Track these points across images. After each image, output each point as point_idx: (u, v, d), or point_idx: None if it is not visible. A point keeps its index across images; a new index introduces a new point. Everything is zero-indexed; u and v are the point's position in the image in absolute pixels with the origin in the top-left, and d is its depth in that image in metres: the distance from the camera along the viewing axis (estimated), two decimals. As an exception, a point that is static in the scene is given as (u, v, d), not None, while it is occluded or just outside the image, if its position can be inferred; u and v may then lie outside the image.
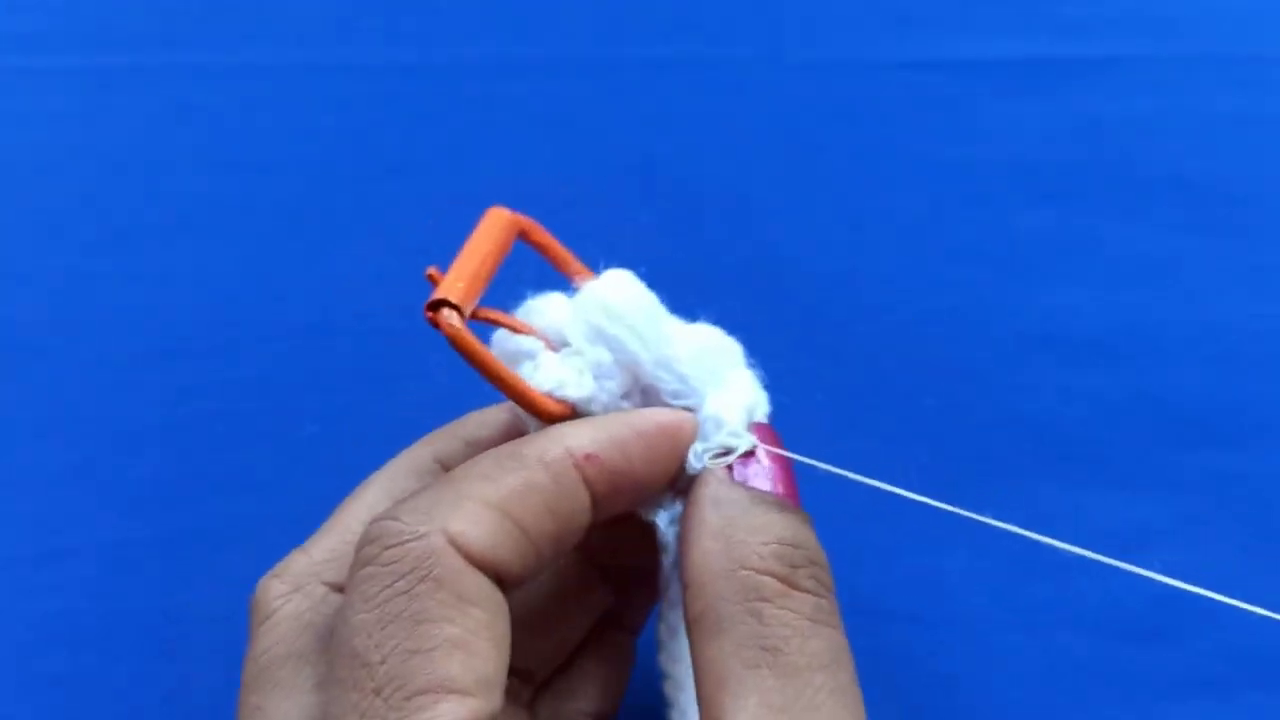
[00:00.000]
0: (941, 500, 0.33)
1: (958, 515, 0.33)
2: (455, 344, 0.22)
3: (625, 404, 0.24)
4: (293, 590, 0.23)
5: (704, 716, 0.20)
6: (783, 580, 0.21)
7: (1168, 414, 0.35)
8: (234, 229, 0.39)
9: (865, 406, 0.35)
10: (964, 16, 0.44)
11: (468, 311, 0.23)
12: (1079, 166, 0.40)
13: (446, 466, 0.25)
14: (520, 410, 0.24)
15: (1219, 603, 0.31)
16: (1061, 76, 0.42)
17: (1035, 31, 0.44)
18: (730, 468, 0.23)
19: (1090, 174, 0.40)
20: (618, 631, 0.28)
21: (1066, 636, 0.31)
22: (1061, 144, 0.41)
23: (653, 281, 0.38)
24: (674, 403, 0.24)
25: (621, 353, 0.24)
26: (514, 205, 0.39)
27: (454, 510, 0.20)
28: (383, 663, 0.18)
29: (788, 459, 0.24)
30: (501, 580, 0.20)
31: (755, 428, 0.24)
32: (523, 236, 0.27)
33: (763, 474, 0.23)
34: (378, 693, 0.18)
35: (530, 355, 0.24)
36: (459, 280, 0.23)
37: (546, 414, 0.23)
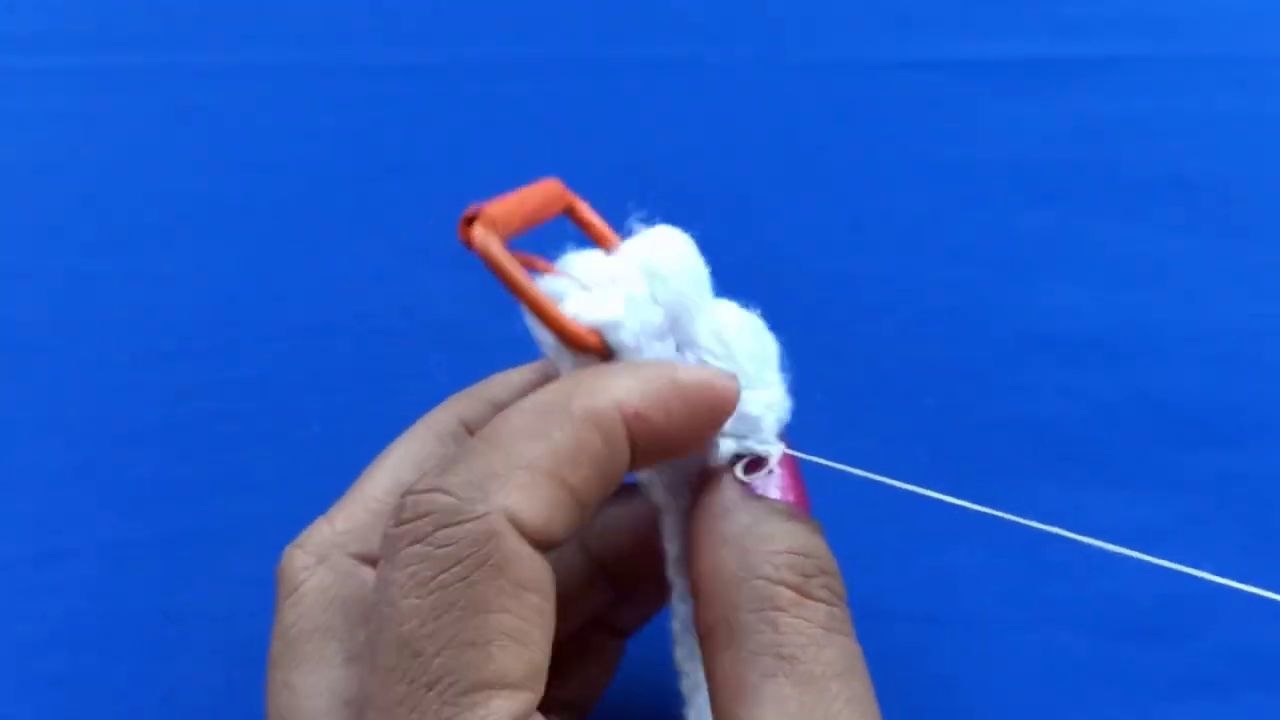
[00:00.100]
0: (940, 499, 0.33)
1: (958, 514, 0.33)
2: (485, 257, 0.21)
3: (658, 345, 0.23)
4: (317, 562, 0.22)
5: None
6: (796, 589, 0.20)
7: (1167, 414, 0.35)
8: (234, 229, 0.39)
9: (865, 406, 0.35)
10: (964, 17, 0.44)
11: (502, 236, 0.22)
12: (1079, 166, 0.40)
13: (471, 430, 0.24)
14: (548, 339, 0.22)
15: (1220, 602, 0.32)
16: (1061, 77, 0.42)
17: (1035, 32, 0.44)
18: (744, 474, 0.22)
19: (1090, 174, 0.40)
20: (607, 631, 0.27)
21: (1068, 635, 0.31)
22: (1061, 144, 0.41)
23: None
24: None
25: (669, 293, 0.23)
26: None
27: (508, 481, 0.19)
28: (437, 655, 0.18)
29: (798, 467, 0.23)
30: (550, 548, 0.19)
31: None
32: (569, 213, 0.25)
33: (774, 482, 0.22)
34: (430, 687, 0.17)
35: (560, 298, 0.23)
36: (497, 208, 0.22)
37: (575, 339, 0.22)
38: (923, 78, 0.42)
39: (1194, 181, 0.40)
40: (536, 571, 0.19)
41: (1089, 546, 0.33)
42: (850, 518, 0.33)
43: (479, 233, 0.21)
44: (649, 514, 0.24)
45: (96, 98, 0.43)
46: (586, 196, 0.40)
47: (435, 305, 0.36)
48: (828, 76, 0.43)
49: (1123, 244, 0.38)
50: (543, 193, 0.24)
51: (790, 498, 0.22)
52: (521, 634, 0.18)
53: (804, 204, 0.39)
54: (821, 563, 0.21)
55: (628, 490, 0.24)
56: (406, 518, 0.19)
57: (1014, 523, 0.33)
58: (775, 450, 0.23)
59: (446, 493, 0.19)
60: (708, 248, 0.39)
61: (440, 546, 0.18)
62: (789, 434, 0.34)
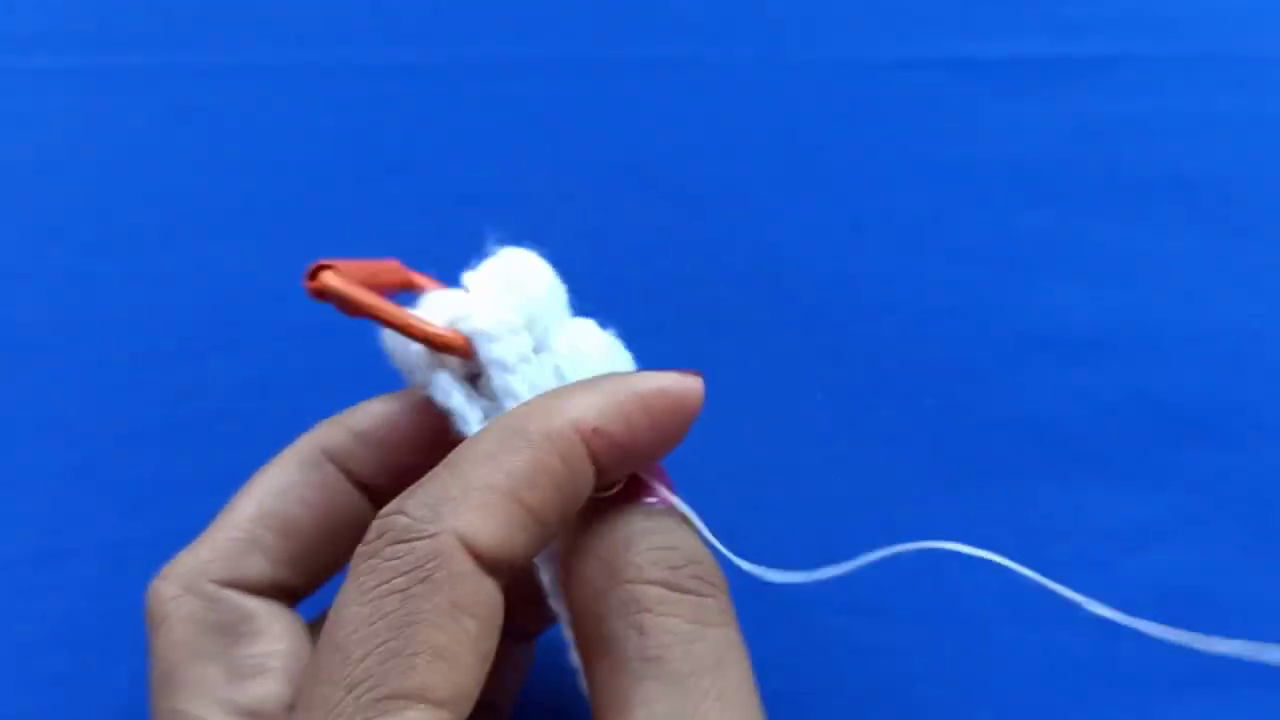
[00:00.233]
0: (940, 496, 0.33)
1: (957, 514, 0.33)
2: (335, 292, 0.23)
3: (516, 338, 0.24)
4: (183, 592, 0.23)
5: None
6: (663, 584, 0.20)
7: (1167, 413, 0.35)
8: (235, 228, 0.39)
9: (865, 406, 0.35)
10: (964, 16, 0.44)
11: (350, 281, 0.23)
12: (1078, 166, 0.40)
13: (334, 458, 0.25)
14: (407, 354, 0.24)
15: (1219, 600, 0.32)
16: (1061, 76, 0.42)
17: (1035, 31, 0.44)
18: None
19: (1090, 174, 0.40)
20: (511, 636, 0.27)
21: (1067, 634, 0.31)
22: (1061, 144, 0.41)
23: (652, 281, 0.38)
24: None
25: (524, 298, 0.24)
26: (514, 205, 0.39)
27: (463, 503, 0.19)
28: (363, 659, 0.18)
29: (670, 490, 0.22)
30: (511, 567, 0.19)
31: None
32: (407, 287, 0.27)
33: (632, 485, 0.22)
34: (350, 689, 0.18)
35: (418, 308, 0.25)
36: (340, 263, 0.24)
37: (434, 339, 0.23)
38: (923, 77, 0.42)
39: (1194, 181, 0.40)
40: (479, 596, 0.19)
41: (1089, 546, 0.33)
42: (849, 517, 0.33)
43: (329, 275, 0.23)
44: None
45: (97, 98, 0.43)
46: (586, 196, 0.40)
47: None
48: (828, 76, 0.43)
49: (1122, 244, 0.38)
50: (381, 265, 0.26)
51: (647, 494, 0.22)
52: (450, 654, 0.18)
53: (804, 204, 0.39)
54: (688, 552, 0.21)
55: None
56: (369, 538, 0.19)
57: (1012, 521, 0.33)
58: None
59: (404, 514, 0.19)
60: (708, 247, 0.39)
61: (388, 560, 0.19)
62: (789, 431, 0.35)
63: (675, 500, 0.22)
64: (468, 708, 0.19)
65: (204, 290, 0.38)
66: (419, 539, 0.19)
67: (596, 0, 0.45)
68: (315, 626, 0.25)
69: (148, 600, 0.23)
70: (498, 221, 0.39)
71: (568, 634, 0.23)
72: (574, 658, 0.23)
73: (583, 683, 0.22)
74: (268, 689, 0.22)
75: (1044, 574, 0.32)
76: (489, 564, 0.19)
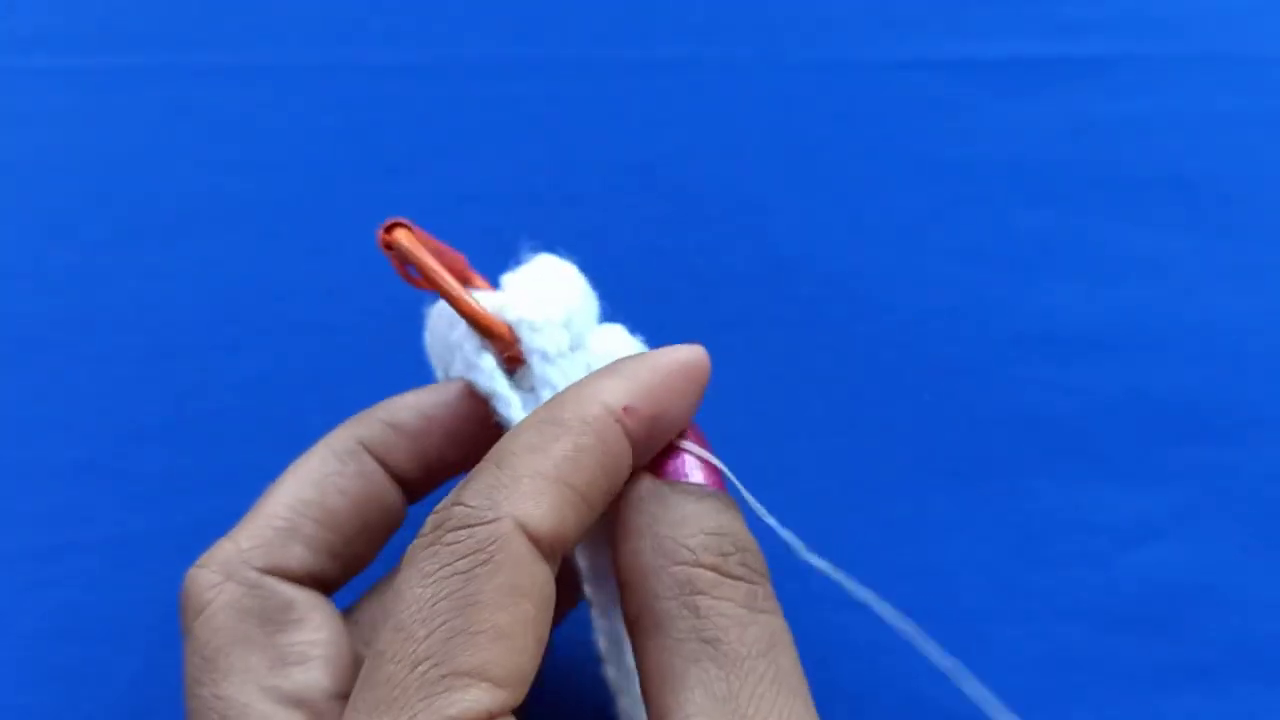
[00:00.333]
0: (940, 493, 0.33)
1: (954, 509, 0.33)
2: (406, 255, 0.24)
3: (563, 332, 0.25)
4: (224, 579, 0.23)
5: (651, 716, 0.20)
6: (714, 569, 0.21)
7: (1165, 410, 0.35)
8: (237, 228, 0.39)
9: (865, 403, 0.35)
10: (964, 17, 0.44)
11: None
12: (1078, 166, 0.40)
13: (369, 449, 0.25)
14: (463, 342, 0.25)
15: (1215, 595, 0.32)
16: (1060, 77, 0.42)
17: (1034, 32, 0.44)
18: (650, 469, 0.23)
19: (1089, 173, 0.40)
20: None
21: (1063, 628, 0.31)
22: (1061, 144, 0.41)
23: (653, 281, 0.38)
24: None
25: (563, 301, 0.25)
26: (514, 205, 0.40)
27: (515, 490, 0.20)
28: (426, 638, 0.18)
29: (707, 444, 0.23)
30: (564, 550, 0.20)
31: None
32: (466, 281, 0.28)
33: (682, 464, 0.23)
34: (414, 666, 0.18)
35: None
36: (417, 230, 0.25)
37: (484, 323, 0.24)
38: (922, 78, 0.42)
39: (1192, 181, 0.40)
40: (536, 581, 0.19)
41: (1087, 542, 0.33)
42: (849, 513, 0.33)
43: (402, 233, 0.24)
44: None
45: (99, 98, 0.43)
46: (586, 196, 0.40)
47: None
48: (828, 76, 0.43)
49: (1121, 243, 0.38)
50: (448, 251, 0.27)
51: (700, 477, 0.22)
52: (511, 634, 0.19)
53: (804, 203, 0.40)
54: (737, 539, 0.21)
55: None
56: (425, 531, 0.20)
57: (1011, 517, 0.33)
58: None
59: (462, 504, 0.20)
60: (708, 247, 0.39)
61: (448, 545, 0.19)
62: (789, 429, 0.35)
63: (716, 461, 0.23)
64: (523, 691, 0.19)
65: (207, 288, 0.38)
66: (479, 524, 0.19)
67: (597, 1, 0.45)
68: (347, 619, 0.25)
69: (186, 587, 0.23)
70: (498, 222, 0.39)
71: (598, 619, 0.23)
72: (600, 644, 0.23)
73: (608, 670, 0.23)
74: (311, 677, 0.23)
75: (1043, 571, 0.32)
76: (545, 548, 0.20)
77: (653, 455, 0.23)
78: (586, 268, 0.28)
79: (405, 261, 0.25)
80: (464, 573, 0.19)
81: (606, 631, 0.24)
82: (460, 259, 0.27)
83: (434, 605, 0.19)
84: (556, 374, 0.25)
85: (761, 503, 0.23)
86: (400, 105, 0.43)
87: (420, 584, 0.19)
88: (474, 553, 0.19)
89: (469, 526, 0.19)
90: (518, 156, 0.41)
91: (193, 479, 0.34)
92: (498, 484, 0.20)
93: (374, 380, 0.35)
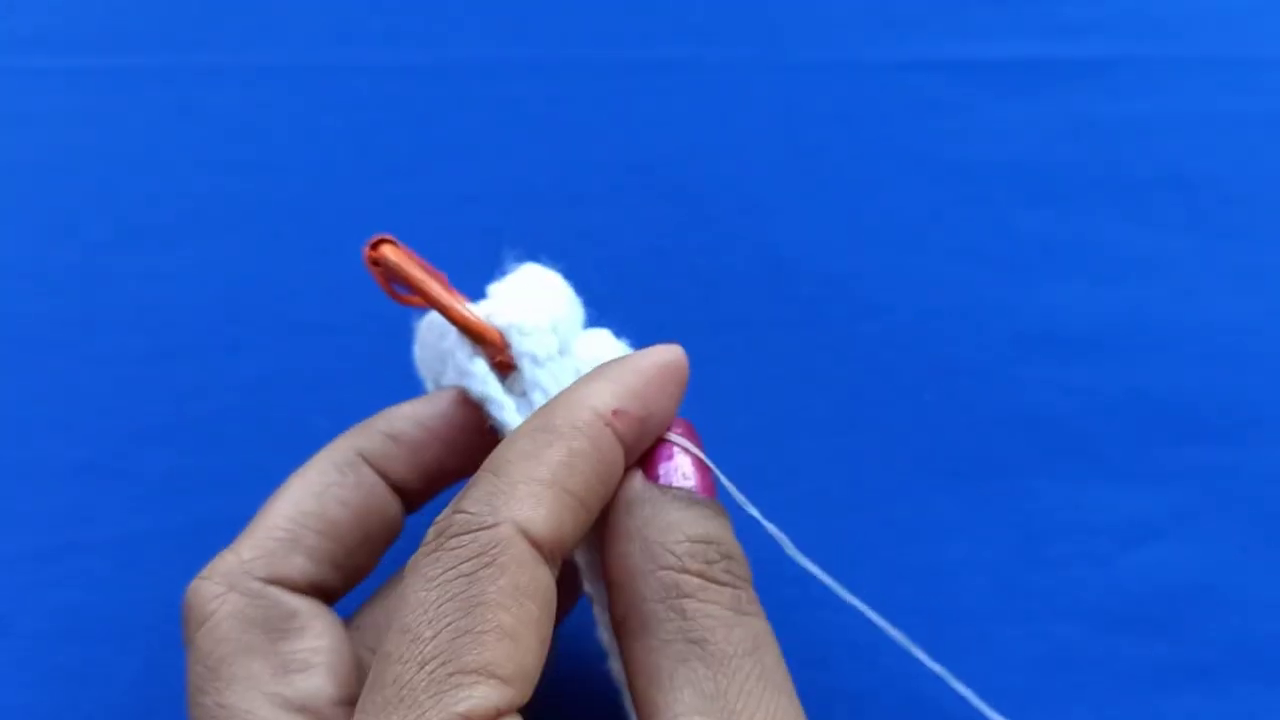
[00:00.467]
0: (940, 493, 0.34)
1: (954, 509, 0.33)
2: (393, 270, 0.24)
3: (551, 337, 0.25)
4: (227, 590, 0.23)
5: (640, 714, 0.21)
6: (699, 575, 0.21)
7: (1164, 410, 0.35)
8: (240, 228, 0.39)
9: (865, 403, 0.35)
10: (963, 18, 0.44)
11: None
12: (1077, 167, 0.40)
13: (369, 461, 0.26)
14: (454, 351, 0.26)
15: (1215, 596, 0.32)
16: (1060, 78, 0.42)
17: (1034, 33, 0.44)
18: (641, 465, 0.23)
19: (1088, 174, 0.40)
20: None
21: (1063, 627, 0.31)
22: (1061, 144, 0.41)
23: (653, 282, 0.38)
24: None
25: (549, 308, 0.26)
26: (515, 206, 0.40)
27: (513, 495, 0.20)
28: (433, 638, 0.19)
29: (701, 450, 0.24)
30: (562, 553, 0.21)
31: (674, 421, 0.24)
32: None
33: (674, 469, 0.23)
34: (422, 665, 0.18)
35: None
36: (402, 246, 0.25)
37: (476, 329, 0.25)
38: (923, 78, 0.43)
39: (1192, 181, 0.40)
40: (538, 582, 0.20)
41: (1087, 542, 0.33)
42: (849, 513, 0.33)
43: (389, 248, 0.25)
44: None
45: (100, 98, 0.43)
46: (586, 197, 0.40)
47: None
48: (828, 77, 0.43)
49: (1122, 243, 0.38)
50: (431, 269, 0.27)
51: (692, 483, 0.23)
52: (516, 634, 0.19)
53: (805, 203, 0.40)
54: (723, 548, 0.22)
55: None
56: (427, 540, 0.20)
57: (1012, 517, 0.33)
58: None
59: (462, 512, 0.20)
60: (708, 248, 0.39)
61: (451, 550, 0.20)
62: (790, 428, 0.35)
63: (704, 457, 0.23)
64: (530, 689, 0.19)
65: (208, 289, 0.38)
66: (481, 529, 0.20)
67: (597, 2, 0.45)
68: (348, 626, 0.26)
69: (189, 599, 0.24)
70: (498, 222, 0.39)
71: (600, 614, 0.24)
72: (604, 638, 0.24)
73: (613, 664, 0.23)
74: (314, 684, 0.23)
75: (1043, 571, 0.32)
76: (545, 552, 0.20)
77: (642, 452, 0.23)
78: (587, 268, 0.29)
79: (391, 278, 0.25)
80: (468, 575, 0.19)
81: (609, 626, 0.24)
82: (442, 277, 0.27)
83: (439, 607, 0.19)
84: (546, 377, 0.25)
85: (761, 503, 0.23)
86: (401, 106, 0.43)
87: (425, 587, 0.19)
88: (477, 555, 0.19)
89: (471, 532, 0.20)
90: (518, 157, 0.41)
91: (195, 479, 0.34)
92: (496, 491, 0.20)
93: (375, 381, 0.35)
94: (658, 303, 0.38)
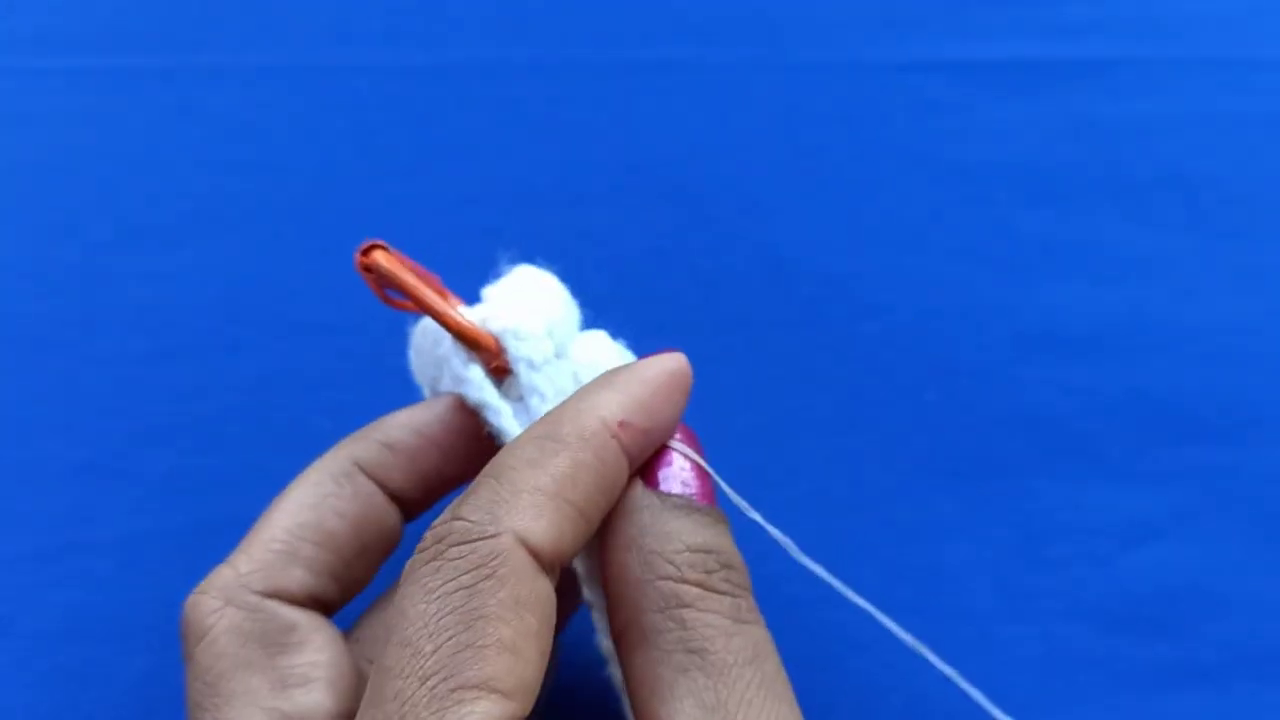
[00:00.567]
0: (941, 493, 0.34)
1: (955, 510, 0.33)
2: (385, 276, 0.24)
3: (547, 340, 0.25)
4: (224, 604, 0.23)
5: None
6: (698, 585, 0.21)
7: (1164, 410, 0.35)
8: (240, 228, 0.39)
9: (866, 404, 0.35)
10: (964, 19, 0.44)
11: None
12: (1077, 167, 0.40)
13: (366, 470, 0.25)
14: (449, 357, 0.25)
15: (1217, 596, 0.32)
16: (1060, 78, 0.42)
17: (1034, 34, 0.44)
18: (641, 471, 0.23)
19: (1088, 174, 0.40)
20: None
21: (1063, 627, 0.31)
22: (1060, 145, 0.41)
23: (654, 282, 0.38)
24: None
25: (545, 310, 0.26)
26: (516, 206, 0.40)
27: (514, 505, 0.20)
28: (434, 652, 0.18)
29: (702, 456, 0.24)
30: (561, 564, 0.20)
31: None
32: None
33: (674, 475, 0.23)
34: (423, 680, 0.18)
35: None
36: (395, 251, 0.25)
37: (470, 335, 0.25)
38: (924, 79, 0.43)
39: (1191, 182, 0.40)
40: (538, 594, 0.20)
41: (1087, 542, 0.33)
42: (850, 513, 0.33)
43: (380, 254, 0.24)
44: None
45: (101, 98, 0.43)
46: (587, 197, 0.40)
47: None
48: (829, 77, 0.43)
49: (1122, 244, 0.38)
50: (424, 272, 0.26)
51: (691, 490, 0.23)
52: (516, 647, 0.19)
53: (805, 204, 0.40)
54: (722, 557, 0.22)
55: None
56: (424, 545, 0.20)
57: (1012, 517, 0.33)
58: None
59: (462, 519, 0.20)
60: (708, 248, 0.39)
61: (451, 561, 0.19)
62: (791, 428, 0.35)
63: (704, 464, 0.23)
64: (530, 701, 0.19)
65: (209, 289, 0.38)
66: (481, 539, 0.19)
67: (597, 3, 0.45)
68: (348, 638, 0.25)
69: (187, 614, 0.24)
70: (498, 222, 0.39)
71: (599, 621, 0.23)
72: (604, 645, 0.23)
73: (613, 670, 0.23)
74: (313, 699, 0.23)
75: (1044, 571, 0.32)
76: (545, 562, 0.20)
77: (644, 461, 0.23)
78: (587, 269, 0.29)
79: (384, 283, 0.25)
80: (468, 587, 0.19)
81: (609, 633, 0.24)
82: (435, 279, 0.27)
83: (440, 620, 0.19)
84: (543, 381, 0.25)
85: (761, 503, 0.23)
86: (401, 106, 0.43)
87: (424, 600, 0.19)
88: (477, 567, 0.19)
89: (471, 541, 0.19)
90: (518, 157, 0.41)
91: (195, 480, 0.34)
92: (498, 499, 0.20)
93: (376, 381, 0.35)
94: (658, 303, 0.38)
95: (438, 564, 0.19)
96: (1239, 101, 0.42)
